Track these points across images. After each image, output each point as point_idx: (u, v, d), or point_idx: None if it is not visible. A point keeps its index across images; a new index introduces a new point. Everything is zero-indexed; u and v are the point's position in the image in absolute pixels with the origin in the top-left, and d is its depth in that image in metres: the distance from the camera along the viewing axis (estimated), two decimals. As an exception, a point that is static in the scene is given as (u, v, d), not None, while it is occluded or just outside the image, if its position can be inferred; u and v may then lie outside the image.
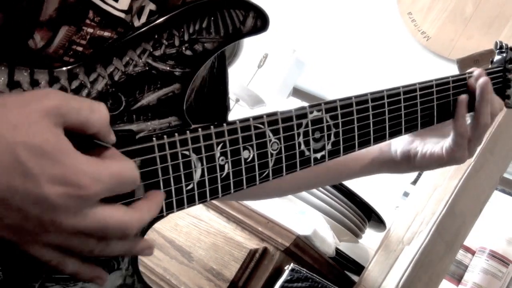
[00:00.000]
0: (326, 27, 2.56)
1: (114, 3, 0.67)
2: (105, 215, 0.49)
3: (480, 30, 2.22)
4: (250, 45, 2.22)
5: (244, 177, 0.67)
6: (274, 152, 0.69)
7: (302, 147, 0.72)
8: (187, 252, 1.46)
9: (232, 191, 0.66)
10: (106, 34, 0.66)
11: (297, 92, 2.65)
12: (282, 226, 1.38)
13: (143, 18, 0.71)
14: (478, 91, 0.87)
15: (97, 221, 0.48)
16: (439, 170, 1.41)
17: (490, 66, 0.94)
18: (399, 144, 0.92)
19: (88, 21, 0.65)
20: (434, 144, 0.90)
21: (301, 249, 1.40)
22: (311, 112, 0.72)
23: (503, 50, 0.95)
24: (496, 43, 0.96)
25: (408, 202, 1.43)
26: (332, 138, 0.75)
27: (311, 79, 2.63)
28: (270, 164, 0.69)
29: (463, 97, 0.86)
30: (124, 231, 0.51)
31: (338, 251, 1.57)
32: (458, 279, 1.64)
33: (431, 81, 0.85)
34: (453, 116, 0.87)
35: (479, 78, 0.87)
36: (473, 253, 1.66)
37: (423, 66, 2.29)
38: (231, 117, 2.33)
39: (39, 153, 0.45)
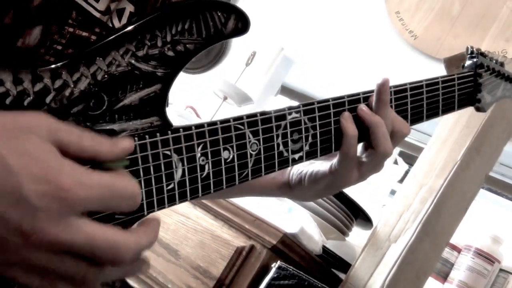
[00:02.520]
0: (314, 25, 2.56)
1: (95, 4, 0.67)
2: (92, 229, 0.46)
3: (467, 30, 2.23)
4: (238, 43, 2.22)
5: (224, 177, 0.68)
6: (254, 153, 0.70)
7: (281, 148, 0.73)
8: (174, 250, 1.46)
9: (212, 191, 0.67)
10: (84, 34, 0.67)
11: (285, 90, 2.66)
12: (269, 224, 1.38)
13: (124, 20, 0.71)
14: (375, 96, 0.79)
15: (83, 236, 0.45)
16: (425, 168, 1.42)
17: (461, 71, 0.96)
18: (296, 168, 0.87)
19: (70, 21, 0.65)
20: (324, 162, 0.85)
21: (288, 247, 1.40)
22: (290, 114, 0.73)
23: (474, 55, 0.97)
24: (467, 48, 0.98)
25: (394, 200, 1.44)
26: (310, 140, 0.76)
27: (299, 77, 2.63)
28: (250, 165, 0.70)
29: (346, 113, 0.78)
30: (116, 254, 0.47)
31: (325, 249, 1.57)
32: (444, 276, 1.65)
33: (405, 84, 0.85)
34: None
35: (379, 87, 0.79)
36: (459, 251, 1.67)
37: (410, 65, 2.31)
38: (219, 115, 2.32)
39: (21, 151, 0.44)
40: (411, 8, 2.36)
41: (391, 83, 0.81)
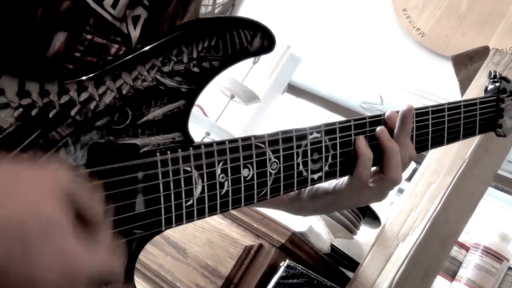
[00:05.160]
0: (321, 23, 2.56)
1: (112, 11, 0.67)
2: None
3: (475, 27, 2.23)
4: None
5: (242, 195, 0.68)
6: (273, 172, 0.70)
7: (301, 167, 0.73)
8: (182, 249, 1.46)
9: (230, 208, 0.67)
10: (102, 41, 0.67)
11: (292, 88, 2.65)
12: (277, 223, 1.38)
13: (138, 27, 0.71)
14: (398, 123, 0.78)
15: None
16: (434, 166, 1.42)
17: (483, 95, 0.95)
18: None
19: (88, 28, 0.65)
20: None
21: (296, 246, 1.40)
22: (311, 133, 0.73)
23: (496, 79, 0.95)
24: (490, 72, 0.96)
25: (402, 198, 1.44)
26: (330, 160, 0.76)
27: (306, 75, 2.63)
28: (269, 183, 0.70)
29: (361, 136, 0.77)
30: None
31: (333, 248, 1.57)
32: (452, 275, 1.64)
33: (427, 107, 0.84)
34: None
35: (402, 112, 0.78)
36: (467, 249, 1.66)
37: (418, 62, 2.30)
38: (227, 114, 2.31)
39: (43, 225, 0.45)
40: (418, 5, 2.36)
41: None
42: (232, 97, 2.40)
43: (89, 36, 0.66)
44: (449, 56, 1.70)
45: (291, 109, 2.77)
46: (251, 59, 2.37)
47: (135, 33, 0.71)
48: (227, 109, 2.45)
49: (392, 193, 1.96)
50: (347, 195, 0.79)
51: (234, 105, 2.46)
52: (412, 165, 1.90)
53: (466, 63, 1.61)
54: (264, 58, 2.38)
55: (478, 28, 2.22)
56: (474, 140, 1.38)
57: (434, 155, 1.44)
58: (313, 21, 2.58)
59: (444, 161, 1.41)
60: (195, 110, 2.40)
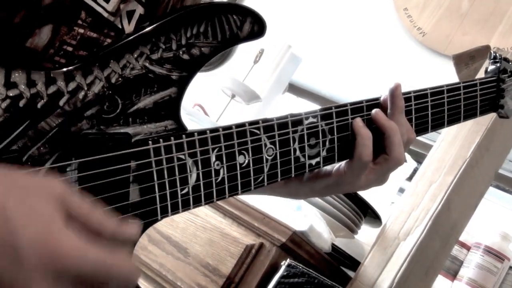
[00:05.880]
0: (322, 22, 2.56)
1: (105, 5, 0.67)
2: None
3: (476, 26, 2.22)
4: (246, 41, 2.22)
5: (239, 182, 0.67)
6: (269, 158, 0.69)
7: (297, 153, 0.72)
8: (183, 248, 1.46)
9: (227, 196, 0.67)
10: (94, 35, 0.67)
11: (293, 88, 2.65)
12: (278, 222, 1.38)
13: (133, 22, 0.71)
14: (389, 102, 0.78)
15: None
16: (435, 165, 1.42)
17: (484, 76, 0.94)
18: None
19: (80, 22, 0.65)
20: None
21: (297, 245, 1.40)
22: (307, 119, 0.72)
23: (497, 60, 0.95)
24: (490, 53, 0.96)
25: (403, 198, 1.44)
26: (327, 145, 0.75)
27: (307, 75, 2.62)
28: (265, 170, 0.69)
29: (358, 118, 0.77)
30: None
31: (334, 247, 1.57)
32: (453, 274, 1.64)
33: (425, 89, 0.84)
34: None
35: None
36: (468, 248, 1.66)
37: (419, 62, 2.30)
38: (228, 113, 2.31)
39: (27, 212, 0.43)
40: (420, 4, 2.35)
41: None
42: (233, 96, 2.39)
43: (81, 30, 0.65)
44: (450, 55, 1.70)
45: (292, 108, 2.78)
46: (251, 59, 2.37)
47: (129, 28, 0.71)
48: (228, 108, 2.45)
49: (393, 193, 1.96)
50: (349, 178, 0.78)
51: (235, 104, 2.45)
52: (413, 164, 1.90)
53: (467, 62, 1.61)
54: (265, 57, 2.37)
55: (479, 27, 2.21)
56: (475, 139, 1.38)
57: (435, 154, 1.45)
58: (314, 21, 2.58)
59: (445, 160, 1.41)
60: (196, 109, 2.40)
